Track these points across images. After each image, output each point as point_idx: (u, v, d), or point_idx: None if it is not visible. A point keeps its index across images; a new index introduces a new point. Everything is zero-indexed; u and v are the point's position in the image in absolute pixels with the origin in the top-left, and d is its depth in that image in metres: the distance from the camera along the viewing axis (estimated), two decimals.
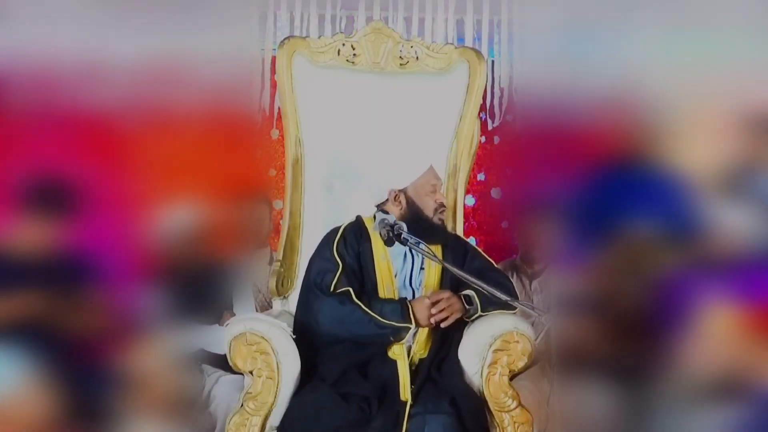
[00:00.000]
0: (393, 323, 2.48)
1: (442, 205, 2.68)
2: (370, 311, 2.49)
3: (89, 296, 1.92)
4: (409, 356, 2.51)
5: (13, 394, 1.84)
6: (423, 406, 2.37)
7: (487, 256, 2.78)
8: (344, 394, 2.38)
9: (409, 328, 2.48)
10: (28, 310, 1.89)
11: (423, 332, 2.54)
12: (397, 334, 2.49)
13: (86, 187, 1.97)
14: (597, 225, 1.93)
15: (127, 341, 1.94)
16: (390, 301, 2.56)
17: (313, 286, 2.58)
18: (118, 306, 1.94)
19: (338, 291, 2.54)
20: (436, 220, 2.66)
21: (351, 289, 2.54)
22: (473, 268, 2.63)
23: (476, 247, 2.92)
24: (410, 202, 2.65)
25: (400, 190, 2.66)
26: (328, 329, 2.51)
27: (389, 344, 2.50)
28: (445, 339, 2.54)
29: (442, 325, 2.50)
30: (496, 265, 2.79)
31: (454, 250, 2.70)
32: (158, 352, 2.01)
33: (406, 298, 2.56)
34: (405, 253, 2.66)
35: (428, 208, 2.65)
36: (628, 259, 1.88)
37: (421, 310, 2.50)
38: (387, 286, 2.60)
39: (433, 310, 2.49)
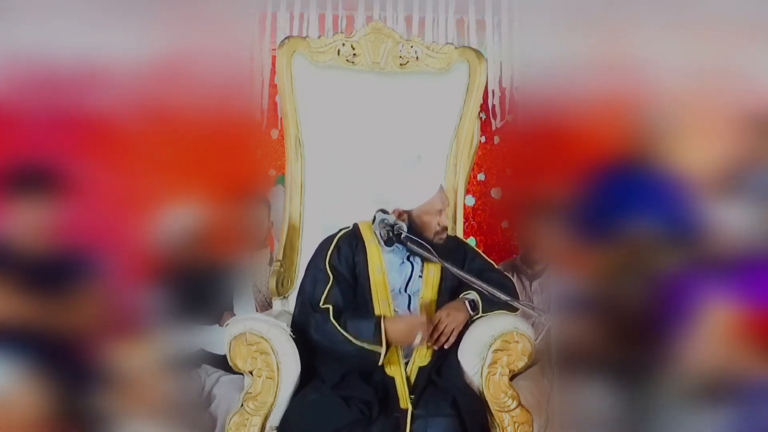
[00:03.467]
0: (364, 345, 2.43)
1: (444, 228, 2.64)
2: (344, 332, 2.45)
3: (88, 297, 1.92)
4: (408, 368, 2.50)
5: (8, 395, 1.83)
6: (424, 409, 2.37)
7: (486, 257, 2.77)
8: (345, 397, 2.38)
9: (378, 353, 2.41)
10: (24, 310, 1.89)
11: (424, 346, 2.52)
12: (374, 356, 2.43)
13: (86, 187, 1.97)
14: (597, 225, 1.93)
15: (126, 341, 1.94)
16: (367, 318, 2.50)
17: (306, 300, 2.57)
18: (117, 306, 1.94)
19: (322, 307, 2.51)
20: (436, 240, 2.61)
21: (330, 307, 2.50)
22: (473, 269, 2.63)
23: (475, 248, 2.90)
24: (413, 223, 2.63)
25: (405, 211, 2.62)
26: (319, 344, 2.50)
27: (375, 363, 2.45)
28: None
29: (446, 346, 2.49)
30: (495, 266, 2.79)
31: (454, 252, 2.69)
32: (157, 353, 2.01)
33: (380, 317, 2.48)
34: (403, 261, 2.65)
35: (429, 230, 2.61)
36: (628, 259, 1.88)
37: (394, 327, 2.45)
38: (382, 299, 2.57)
39: (435, 335, 2.47)
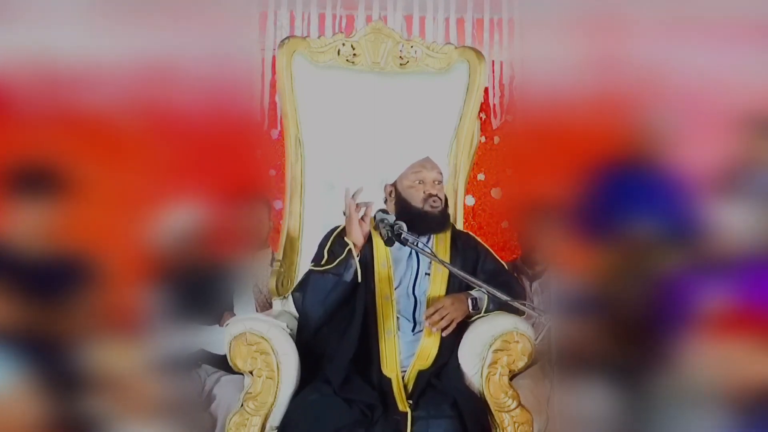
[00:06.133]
0: (332, 266, 2.46)
1: (430, 195, 2.61)
2: (318, 267, 2.49)
3: (88, 298, 1.92)
4: (407, 371, 2.49)
5: (7, 398, 1.83)
6: (425, 411, 2.37)
7: (499, 259, 2.75)
8: (346, 398, 2.38)
9: (350, 255, 2.45)
10: (23, 312, 1.89)
11: (427, 345, 2.52)
12: (349, 265, 2.46)
13: (86, 188, 1.97)
14: (597, 225, 1.92)
15: (126, 342, 1.94)
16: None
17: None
18: (117, 307, 1.94)
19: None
20: (427, 208, 2.60)
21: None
22: (486, 271, 2.62)
23: (488, 247, 2.82)
24: (399, 195, 2.64)
25: (391, 184, 2.65)
26: (313, 313, 2.51)
27: (355, 281, 2.47)
28: (446, 345, 2.53)
29: (444, 334, 2.49)
30: (506, 267, 2.78)
31: (465, 252, 2.68)
32: (157, 353, 2.01)
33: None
34: (411, 253, 2.62)
35: (415, 199, 2.61)
36: (628, 259, 1.88)
37: (349, 226, 2.47)
38: (384, 294, 2.56)
39: (435, 317, 2.47)
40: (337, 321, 2.53)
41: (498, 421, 2.44)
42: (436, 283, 2.61)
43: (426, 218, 2.60)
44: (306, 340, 2.54)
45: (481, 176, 4.59)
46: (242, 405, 2.42)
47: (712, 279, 1.83)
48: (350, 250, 2.48)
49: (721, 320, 1.81)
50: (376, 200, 2.69)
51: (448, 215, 2.71)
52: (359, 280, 2.48)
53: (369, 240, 2.61)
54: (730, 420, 1.77)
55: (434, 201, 2.61)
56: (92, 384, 1.88)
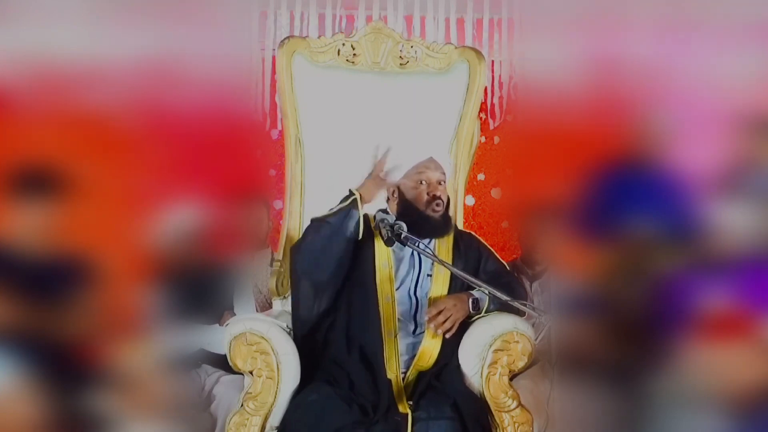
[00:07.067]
0: (332, 212, 2.47)
1: (434, 197, 2.60)
2: (319, 218, 2.50)
3: (89, 298, 1.92)
4: (407, 371, 2.50)
5: (8, 398, 1.83)
6: (425, 412, 2.36)
7: (501, 260, 2.74)
8: (346, 398, 2.38)
9: (355, 208, 2.45)
10: (24, 312, 1.89)
11: (429, 347, 2.51)
12: (351, 215, 2.46)
13: (87, 188, 1.97)
14: (597, 225, 1.93)
15: (127, 342, 1.94)
16: None
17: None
18: (118, 307, 1.94)
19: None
20: (429, 212, 2.58)
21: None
22: (488, 271, 2.62)
23: (490, 247, 2.80)
24: (402, 196, 2.63)
25: (394, 185, 2.64)
26: (306, 267, 2.52)
27: (358, 234, 2.46)
28: (448, 345, 2.52)
29: (447, 336, 2.48)
30: (508, 268, 2.77)
31: (467, 253, 2.67)
32: (157, 353, 2.01)
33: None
34: (413, 253, 2.60)
35: (419, 201, 2.59)
36: (628, 259, 1.88)
37: (368, 186, 2.49)
38: (385, 296, 2.55)
39: (440, 318, 2.47)
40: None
41: (498, 421, 2.44)
42: (437, 283, 2.60)
43: (428, 222, 2.59)
44: (301, 315, 2.55)
45: (481, 176, 4.59)
46: (242, 405, 2.42)
47: (712, 279, 1.83)
48: (355, 199, 2.46)
49: (720, 320, 1.81)
50: (377, 203, 2.69)
51: (450, 218, 2.70)
52: (359, 236, 2.45)
53: (370, 240, 2.60)
54: (728, 420, 1.77)
55: (437, 204, 2.59)
56: (92, 384, 1.89)
